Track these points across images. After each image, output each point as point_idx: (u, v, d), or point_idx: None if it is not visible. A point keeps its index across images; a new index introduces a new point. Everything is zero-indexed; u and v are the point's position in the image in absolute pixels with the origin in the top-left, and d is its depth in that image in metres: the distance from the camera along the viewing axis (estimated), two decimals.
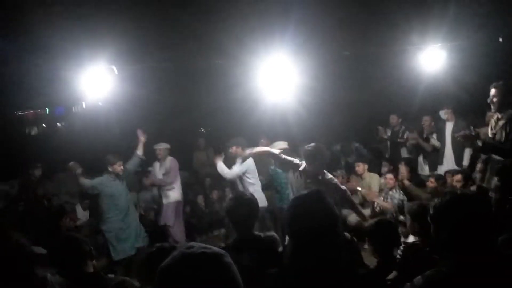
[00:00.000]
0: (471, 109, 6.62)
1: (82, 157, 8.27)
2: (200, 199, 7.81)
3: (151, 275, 2.48)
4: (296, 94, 5.82)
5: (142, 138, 5.75)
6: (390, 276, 2.01)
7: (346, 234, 2.45)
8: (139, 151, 5.75)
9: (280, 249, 2.21)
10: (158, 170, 6.65)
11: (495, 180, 2.31)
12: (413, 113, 7.40)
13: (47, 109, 12.40)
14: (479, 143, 3.94)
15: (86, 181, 5.44)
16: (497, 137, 3.85)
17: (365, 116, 8.01)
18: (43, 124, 13.11)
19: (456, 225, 1.71)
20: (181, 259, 0.96)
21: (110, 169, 5.40)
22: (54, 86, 5.95)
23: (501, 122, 3.84)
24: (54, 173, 7.40)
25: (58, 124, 13.10)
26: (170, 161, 6.57)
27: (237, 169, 5.51)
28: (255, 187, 5.52)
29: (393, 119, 7.46)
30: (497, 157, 3.47)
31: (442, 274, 1.64)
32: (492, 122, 3.99)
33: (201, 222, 7.50)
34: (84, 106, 11.26)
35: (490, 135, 3.98)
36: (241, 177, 5.57)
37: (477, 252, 1.64)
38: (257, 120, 6.96)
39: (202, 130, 11.62)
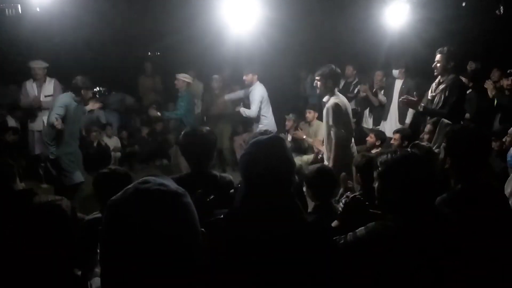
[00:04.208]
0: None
1: (14, 66, 7.61)
2: (144, 130, 7.58)
3: (101, 196, 2.38)
4: (260, 27, 5.57)
5: None
6: (332, 225, 2.07)
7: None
8: None
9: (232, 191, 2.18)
10: (32, 90, 5.85)
11: (443, 142, 2.41)
12: (368, 66, 7.46)
13: None
14: (420, 108, 4.15)
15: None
16: (436, 100, 4.11)
17: (323, 61, 7.97)
18: None
19: (403, 183, 1.76)
20: (134, 195, 0.85)
21: (82, 93, 4.86)
22: None
23: (441, 86, 4.08)
24: None
25: None
26: (54, 82, 5.91)
27: (255, 106, 5.68)
28: (267, 117, 5.82)
29: (349, 70, 7.45)
30: (446, 120, 3.65)
31: (385, 227, 1.71)
32: (433, 85, 4.21)
33: (143, 151, 7.35)
34: (19, 10, 10.13)
35: (429, 97, 4.21)
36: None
37: (420, 210, 1.71)
38: (221, 52, 6.65)
39: (149, 54, 10.99)
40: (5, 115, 6.49)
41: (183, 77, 6.21)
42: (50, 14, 6.39)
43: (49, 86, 5.87)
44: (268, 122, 5.81)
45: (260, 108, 5.77)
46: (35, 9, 6.90)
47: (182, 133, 2.56)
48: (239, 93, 6.43)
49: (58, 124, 4.56)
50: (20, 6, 8.97)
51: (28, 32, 7.81)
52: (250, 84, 5.79)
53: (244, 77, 5.81)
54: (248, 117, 5.94)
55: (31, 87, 5.85)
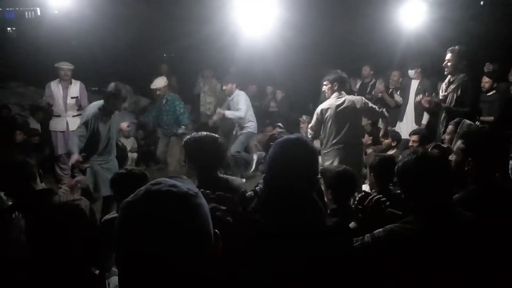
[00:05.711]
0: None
1: (33, 67, 7.78)
2: (160, 130, 7.64)
3: (118, 196, 2.42)
4: (276, 28, 5.57)
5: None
6: (350, 226, 2.05)
7: None
8: None
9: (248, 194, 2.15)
10: (58, 91, 5.84)
11: (459, 143, 2.37)
12: (385, 67, 7.38)
13: None
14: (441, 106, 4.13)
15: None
16: (448, 100, 4.13)
17: (339, 62, 7.88)
18: None
19: (423, 184, 1.74)
20: (145, 196, 0.87)
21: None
22: None
23: (452, 86, 4.10)
24: (4, 81, 6.90)
25: (9, 29, 12.03)
26: (80, 85, 5.93)
27: (243, 107, 5.84)
28: (253, 121, 6.02)
29: (365, 70, 7.37)
30: (468, 121, 3.61)
31: (404, 229, 1.69)
32: (443, 85, 4.16)
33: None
34: (38, 13, 10.34)
35: (441, 97, 4.16)
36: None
37: (439, 212, 1.70)
38: (235, 54, 6.67)
39: (164, 55, 11.08)
40: (27, 116, 6.59)
41: (162, 81, 5.95)
42: (68, 16, 6.51)
43: (75, 88, 5.92)
44: (254, 125, 6.08)
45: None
46: (54, 11, 7.05)
47: (188, 138, 2.47)
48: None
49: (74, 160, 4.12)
50: (39, 8, 9.17)
51: (46, 34, 7.99)
52: (231, 93, 5.98)
53: (224, 87, 6.04)
54: (237, 119, 6.06)
55: (56, 87, 5.86)
